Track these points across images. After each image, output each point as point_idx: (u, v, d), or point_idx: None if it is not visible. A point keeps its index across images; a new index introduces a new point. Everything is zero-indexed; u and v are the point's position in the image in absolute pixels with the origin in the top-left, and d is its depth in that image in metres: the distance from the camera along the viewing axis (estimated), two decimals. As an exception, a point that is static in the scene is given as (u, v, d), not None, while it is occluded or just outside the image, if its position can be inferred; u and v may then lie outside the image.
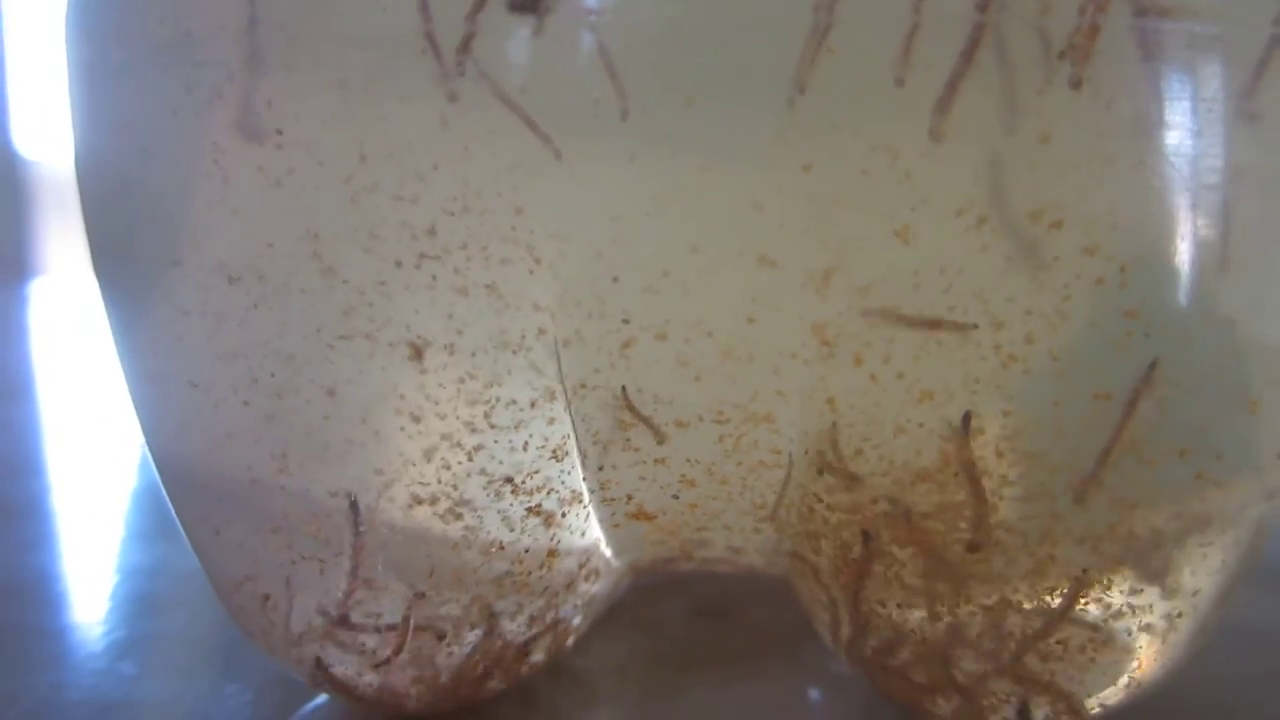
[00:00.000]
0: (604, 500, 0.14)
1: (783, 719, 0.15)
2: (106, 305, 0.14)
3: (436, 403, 0.12)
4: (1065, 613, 0.12)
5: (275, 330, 0.12)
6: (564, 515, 0.13)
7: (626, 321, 0.12)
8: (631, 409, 0.12)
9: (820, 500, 0.12)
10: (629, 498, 0.14)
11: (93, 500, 0.25)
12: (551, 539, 0.13)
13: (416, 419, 0.12)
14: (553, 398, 0.12)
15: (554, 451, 0.13)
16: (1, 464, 0.28)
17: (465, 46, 0.11)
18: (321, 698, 0.15)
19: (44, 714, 0.15)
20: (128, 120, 0.12)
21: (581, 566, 0.14)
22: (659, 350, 0.12)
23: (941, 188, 0.11)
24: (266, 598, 0.13)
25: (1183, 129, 0.11)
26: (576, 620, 0.15)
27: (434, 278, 0.11)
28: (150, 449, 0.14)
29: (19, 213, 0.52)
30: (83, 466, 0.28)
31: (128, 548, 0.22)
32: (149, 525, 0.23)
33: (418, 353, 0.12)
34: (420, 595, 0.13)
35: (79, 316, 0.48)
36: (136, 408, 0.14)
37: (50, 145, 0.54)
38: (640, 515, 0.14)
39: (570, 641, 0.15)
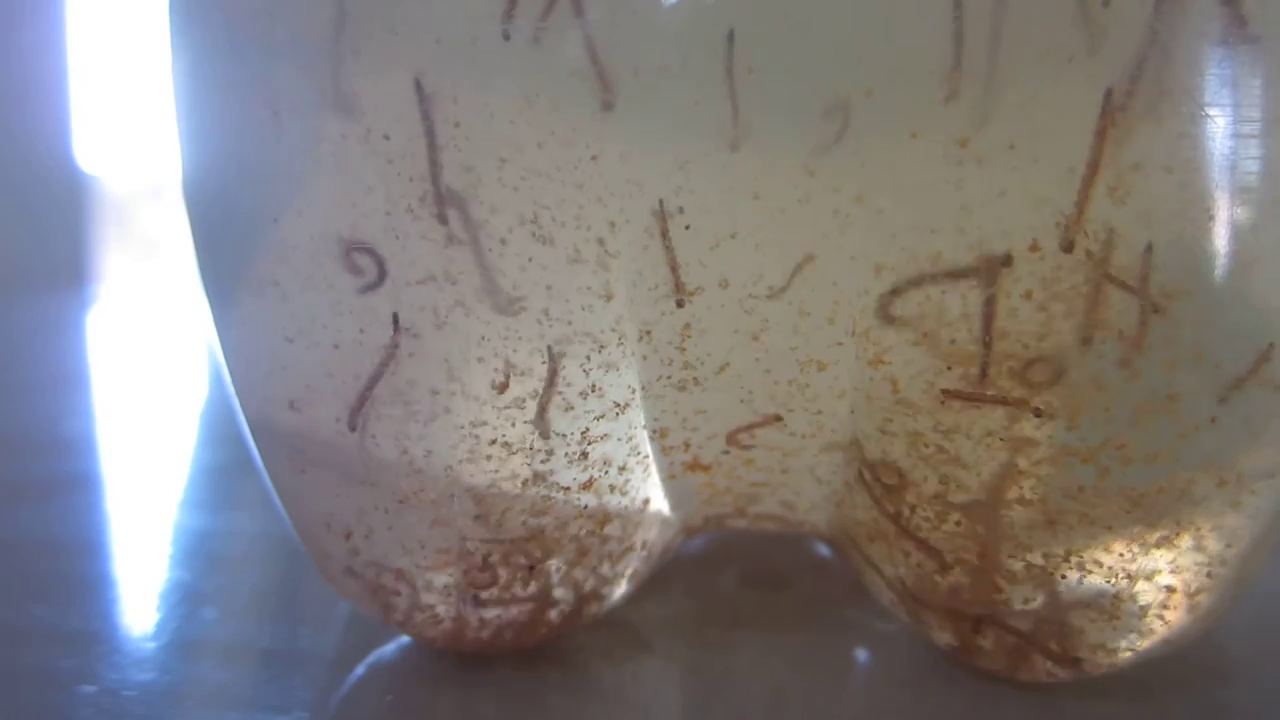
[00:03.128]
0: (662, 450, 0.14)
1: (830, 673, 0.15)
2: (202, 271, 0.15)
3: (520, 357, 0.13)
4: (1099, 567, 0.13)
5: (370, 289, 0.13)
6: (624, 469, 0.14)
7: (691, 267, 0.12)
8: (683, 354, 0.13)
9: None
10: (685, 445, 0.14)
11: (151, 475, 0.26)
12: (613, 491, 0.14)
13: (501, 373, 0.13)
14: (622, 344, 0.13)
15: (618, 402, 0.14)
16: (62, 441, 0.29)
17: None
18: (396, 639, 0.16)
19: (130, 651, 0.16)
20: (229, 96, 0.13)
21: (639, 522, 0.15)
22: (722, 296, 0.13)
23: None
24: (348, 537, 0.14)
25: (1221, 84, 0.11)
26: (631, 577, 0.15)
27: (527, 234, 0.12)
28: (239, 398, 0.15)
29: (79, 223, 0.55)
30: (137, 447, 0.29)
31: (193, 515, 0.23)
32: (210, 497, 0.24)
33: (502, 308, 0.12)
34: (490, 545, 0.14)
35: (131, 318, 0.50)
36: (227, 359, 0.15)
37: (108, 160, 0.56)
38: (696, 467, 0.15)
39: (622, 596, 0.16)
